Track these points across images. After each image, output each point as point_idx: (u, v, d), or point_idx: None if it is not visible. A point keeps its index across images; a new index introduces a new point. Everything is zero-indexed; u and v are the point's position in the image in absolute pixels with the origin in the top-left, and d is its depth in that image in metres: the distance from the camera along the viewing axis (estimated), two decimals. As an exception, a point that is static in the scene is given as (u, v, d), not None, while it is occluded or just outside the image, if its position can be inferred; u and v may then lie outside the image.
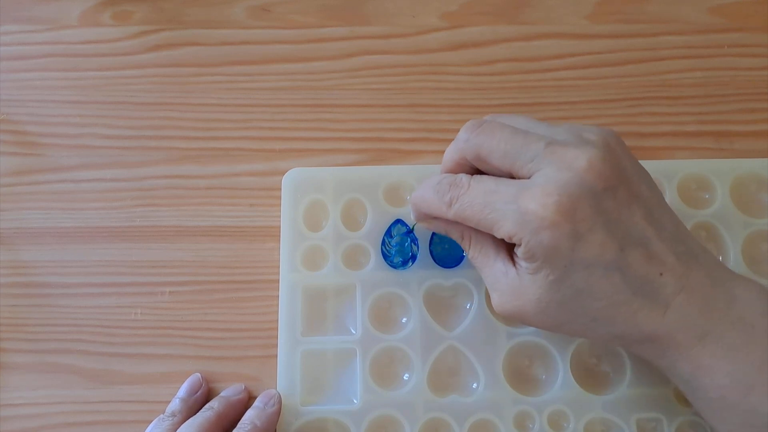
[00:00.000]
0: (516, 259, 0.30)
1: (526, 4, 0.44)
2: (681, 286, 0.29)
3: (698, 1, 0.44)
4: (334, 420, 0.35)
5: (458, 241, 0.33)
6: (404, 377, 0.36)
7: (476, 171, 0.32)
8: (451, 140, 0.40)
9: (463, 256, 0.37)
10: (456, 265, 0.37)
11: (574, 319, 0.30)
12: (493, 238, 0.31)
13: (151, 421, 0.34)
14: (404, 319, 0.37)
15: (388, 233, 0.38)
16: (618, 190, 0.29)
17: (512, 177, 0.30)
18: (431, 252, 0.37)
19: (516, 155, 0.29)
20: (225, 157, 0.40)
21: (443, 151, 0.40)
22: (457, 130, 0.41)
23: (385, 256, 0.37)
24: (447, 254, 0.37)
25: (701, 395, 0.30)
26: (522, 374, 0.36)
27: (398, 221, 0.38)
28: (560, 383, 0.36)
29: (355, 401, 0.35)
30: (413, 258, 0.37)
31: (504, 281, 0.31)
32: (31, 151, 0.40)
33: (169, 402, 0.35)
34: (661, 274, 0.29)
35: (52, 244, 0.38)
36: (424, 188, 0.32)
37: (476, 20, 0.43)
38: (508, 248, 0.31)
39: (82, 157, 0.40)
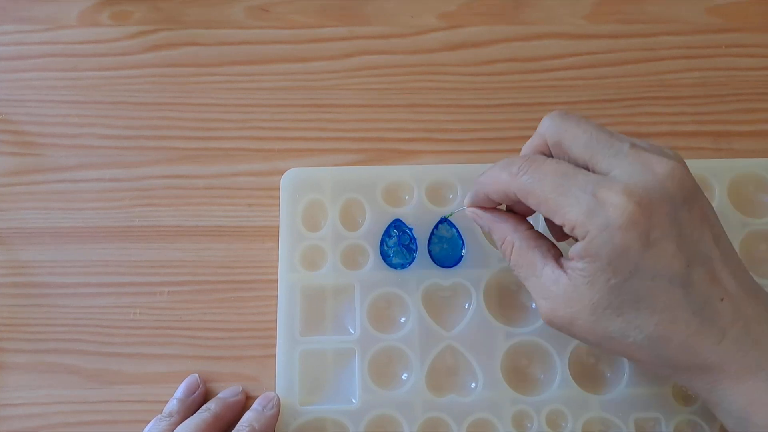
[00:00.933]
0: (568, 263, 0.29)
1: (524, 4, 0.44)
2: (739, 315, 0.28)
3: (696, 2, 0.44)
4: (333, 420, 0.35)
5: (498, 245, 0.32)
6: (403, 377, 0.36)
7: None
8: (449, 140, 0.41)
9: (462, 256, 0.37)
10: (455, 265, 0.37)
11: (627, 332, 0.28)
12: (539, 244, 0.31)
13: (149, 421, 0.34)
14: (403, 319, 0.37)
15: (387, 233, 0.38)
16: (694, 206, 0.28)
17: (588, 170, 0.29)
18: (430, 252, 0.38)
19: (599, 147, 0.29)
20: (224, 157, 0.40)
21: (442, 151, 0.41)
22: (456, 130, 0.41)
23: (384, 256, 0.37)
24: (446, 254, 0.38)
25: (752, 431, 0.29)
26: (520, 374, 0.36)
27: (397, 221, 0.38)
28: (558, 383, 0.36)
29: (353, 401, 0.35)
30: (412, 258, 0.37)
31: (554, 289, 0.29)
32: (29, 151, 0.40)
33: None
34: (722, 299, 0.28)
35: (51, 244, 0.38)
36: (493, 167, 0.31)
37: (475, 20, 0.43)
38: (555, 255, 0.31)
39: (80, 157, 0.40)
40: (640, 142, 0.30)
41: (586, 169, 0.29)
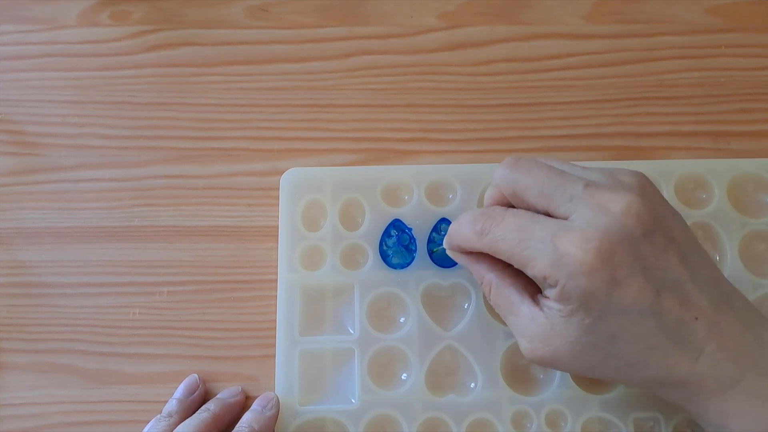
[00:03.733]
0: (544, 301, 0.30)
1: (523, 4, 0.44)
2: (713, 331, 0.29)
3: (695, 2, 0.44)
4: (333, 420, 0.35)
5: (478, 283, 0.33)
6: (402, 377, 0.36)
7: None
8: (448, 140, 0.41)
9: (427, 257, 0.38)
10: (454, 265, 0.37)
11: (607, 362, 0.30)
12: (516, 283, 0.31)
13: (149, 421, 0.34)
14: (402, 319, 0.37)
15: (387, 233, 0.38)
16: (655, 235, 0.29)
17: (548, 215, 0.30)
18: (429, 252, 0.38)
19: (553, 194, 0.29)
20: (223, 157, 0.40)
21: (441, 151, 0.41)
22: (456, 130, 0.41)
23: (384, 256, 0.37)
24: (445, 254, 0.37)
25: None
26: (520, 374, 0.36)
27: (396, 221, 0.38)
28: (558, 382, 0.36)
29: (353, 401, 0.35)
30: (411, 258, 0.37)
31: (532, 327, 0.30)
32: (29, 151, 0.40)
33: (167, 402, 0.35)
34: (696, 319, 0.29)
35: (51, 244, 0.38)
36: (460, 219, 0.32)
37: (474, 20, 0.43)
38: (531, 292, 0.31)
39: (80, 157, 0.40)
40: (594, 174, 0.30)
41: (547, 214, 0.30)
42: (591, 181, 0.29)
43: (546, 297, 0.30)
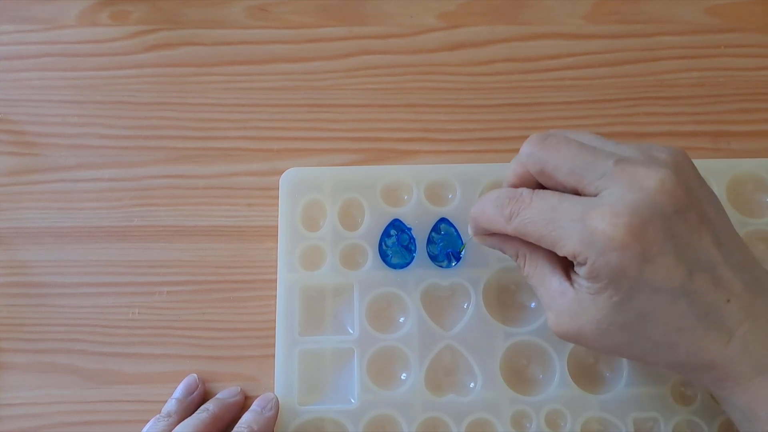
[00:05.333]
0: (575, 278, 0.30)
1: (523, 4, 0.44)
2: (746, 315, 0.28)
3: (695, 2, 0.44)
4: (332, 420, 0.35)
5: (513, 258, 0.33)
6: (402, 377, 0.36)
7: (539, 186, 0.31)
8: (448, 140, 0.41)
9: (461, 257, 0.37)
10: (454, 265, 0.37)
11: (634, 343, 0.29)
12: (549, 256, 0.31)
13: (148, 421, 0.34)
14: (402, 319, 0.37)
15: (386, 233, 0.38)
16: (688, 213, 0.28)
17: (577, 193, 0.29)
18: (429, 252, 0.38)
19: (583, 172, 0.29)
20: (223, 156, 0.40)
21: (441, 151, 0.41)
22: (455, 130, 0.41)
23: (383, 256, 0.37)
24: (445, 254, 0.38)
25: (755, 427, 0.29)
26: (519, 374, 0.36)
27: (396, 221, 0.38)
28: (557, 383, 0.36)
29: (352, 401, 0.35)
30: (411, 258, 0.37)
31: (561, 301, 0.30)
32: (29, 151, 0.40)
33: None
34: (728, 301, 0.28)
35: (50, 243, 0.38)
36: (484, 202, 0.32)
37: (474, 20, 0.43)
38: (565, 267, 0.31)
39: (80, 156, 0.40)
40: (627, 149, 0.29)
41: (576, 192, 0.29)
42: (623, 157, 0.29)
43: (577, 274, 0.29)
